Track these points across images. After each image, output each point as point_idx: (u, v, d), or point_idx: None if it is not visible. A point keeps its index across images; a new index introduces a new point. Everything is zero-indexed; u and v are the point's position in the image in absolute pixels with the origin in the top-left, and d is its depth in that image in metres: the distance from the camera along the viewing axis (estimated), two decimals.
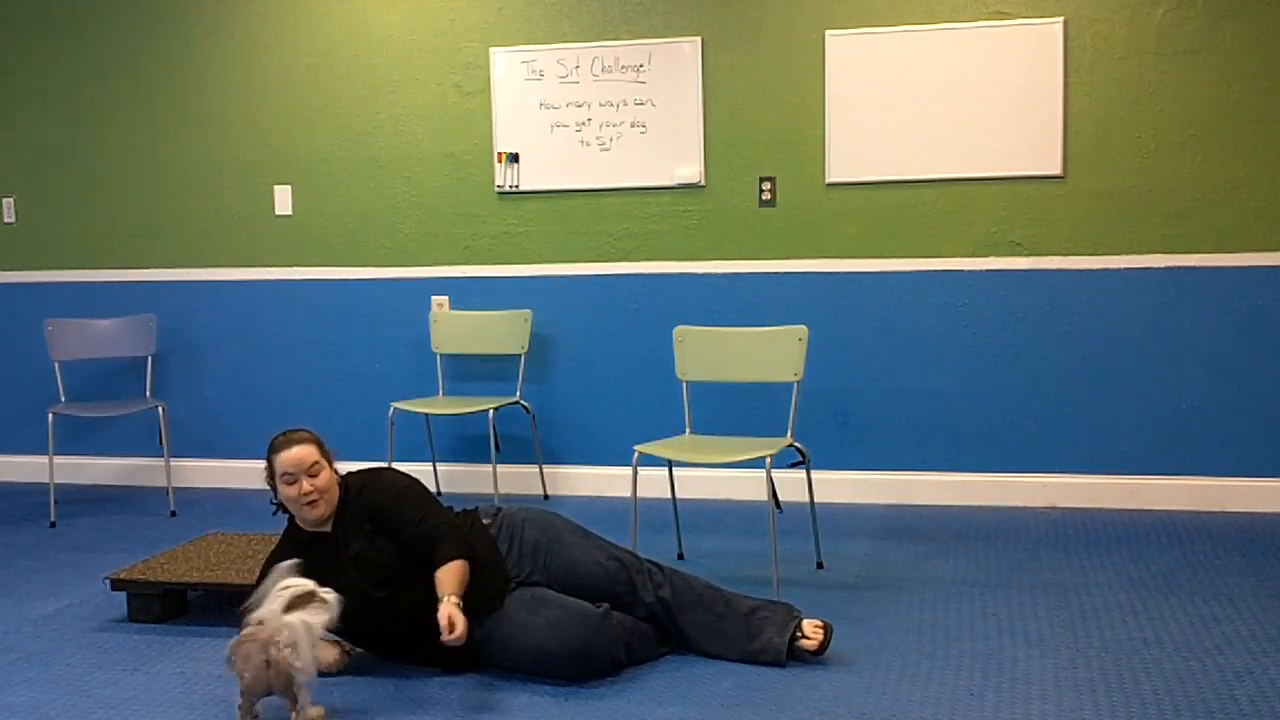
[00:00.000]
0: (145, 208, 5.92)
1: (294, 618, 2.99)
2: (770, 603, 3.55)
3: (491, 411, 5.22)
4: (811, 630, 3.44)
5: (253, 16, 5.70)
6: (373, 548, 3.37)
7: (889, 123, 5.11)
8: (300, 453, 3.38)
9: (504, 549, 3.51)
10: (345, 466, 3.56)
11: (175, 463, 5.69)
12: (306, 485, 3.35)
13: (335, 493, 3.43)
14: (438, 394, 5.56)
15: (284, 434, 3.46)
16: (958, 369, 5.14)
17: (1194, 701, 3.10)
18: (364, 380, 5.74)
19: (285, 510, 3.46)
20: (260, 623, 2.97)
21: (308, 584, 3.09)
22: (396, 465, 5.12)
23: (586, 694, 3.25)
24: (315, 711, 3.06)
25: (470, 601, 3.29)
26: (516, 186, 5.49)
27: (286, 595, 3.03)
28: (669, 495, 4.46)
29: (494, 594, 3.41)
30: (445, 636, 3.14)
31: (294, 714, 2.98)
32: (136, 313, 5.80)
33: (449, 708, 3.20)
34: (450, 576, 3.27)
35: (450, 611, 3.17)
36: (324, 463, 3.41)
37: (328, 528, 3.43)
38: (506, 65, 5.45)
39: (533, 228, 5.50)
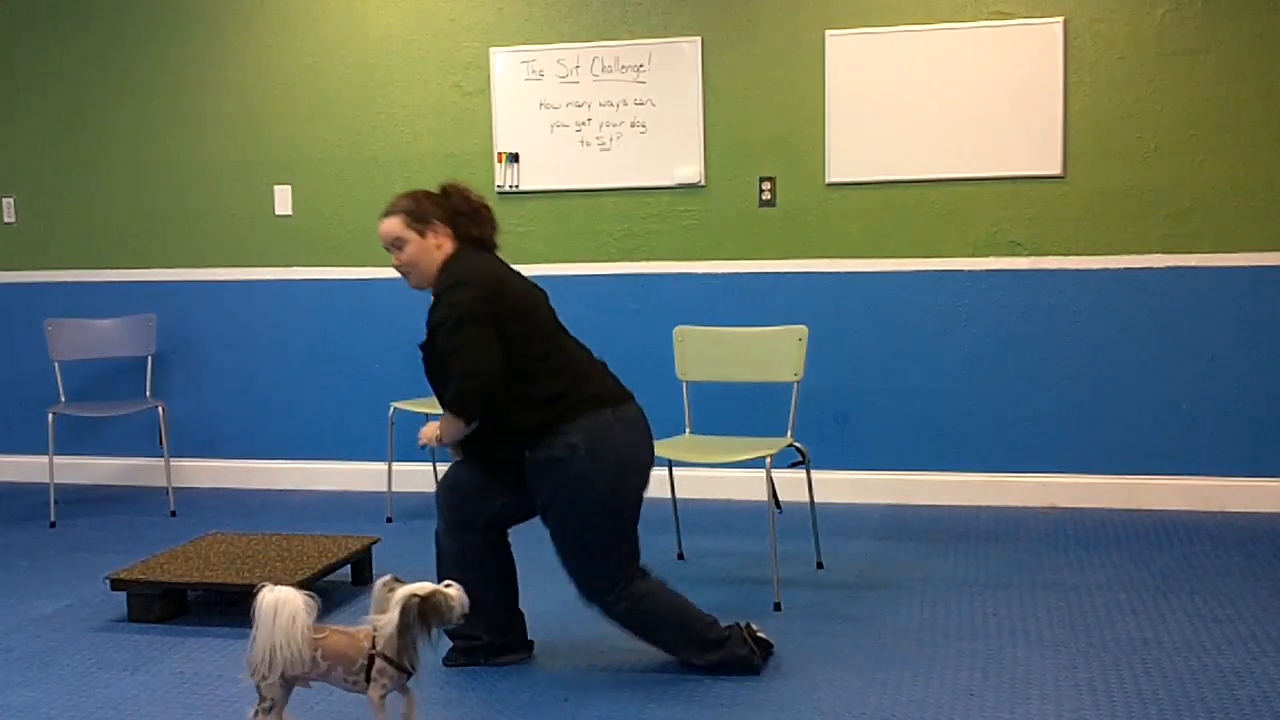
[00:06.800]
0: (145, 208, 5.92)
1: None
2: (725, 638, 3.36)
3: None
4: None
5: (252, 16, 5.70)
6: (428, 354, 3.49)
7: (889, 123, 5.11)
8: (384, 227, 3.37)
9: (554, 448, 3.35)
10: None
11: (175, 463, 5.68)
12: (395, 259, 3.40)
13: (428, 266, 3.39)
14: None
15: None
16: (958, 369, 5.15)
17: (1194, 701, 3.10)
18: (364, 380, 5.73)
19: None
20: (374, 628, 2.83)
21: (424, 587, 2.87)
22: (397, 463, 5.14)
23: (587, 694, 3.26)
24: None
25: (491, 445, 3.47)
26: (516, 186, 5.49)
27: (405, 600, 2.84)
28: (669, 495, 4.46)
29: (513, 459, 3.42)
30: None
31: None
32: (136, 313, 5.80)
33: (448, 706, 3.21)
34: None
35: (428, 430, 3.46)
36: (409, 235, 3.34)
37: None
38: (506, 65, 5.45)
39: (533, 228, 5.50)
